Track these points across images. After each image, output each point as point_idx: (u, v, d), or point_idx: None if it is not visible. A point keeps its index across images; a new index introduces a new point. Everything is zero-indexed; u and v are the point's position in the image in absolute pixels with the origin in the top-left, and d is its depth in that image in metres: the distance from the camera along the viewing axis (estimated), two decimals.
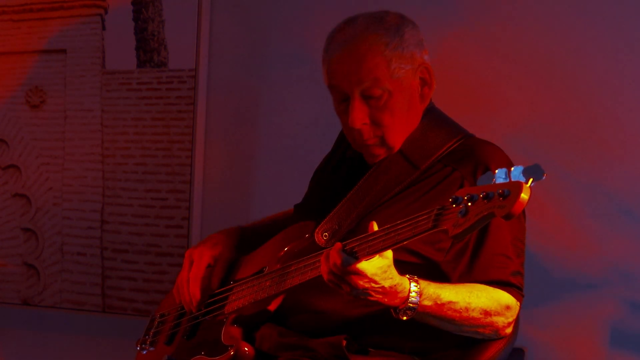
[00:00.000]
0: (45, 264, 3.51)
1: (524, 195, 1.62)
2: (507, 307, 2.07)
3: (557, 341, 2.82)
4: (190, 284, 2.34)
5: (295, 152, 3.18)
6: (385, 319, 2.05)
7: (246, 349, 2.17)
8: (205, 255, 2.37)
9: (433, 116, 2.26)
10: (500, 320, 2.06)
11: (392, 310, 1.98)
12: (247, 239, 2.46)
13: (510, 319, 2.09)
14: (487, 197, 1.66)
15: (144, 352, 2.44)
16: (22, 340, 3.60)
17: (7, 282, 3.57)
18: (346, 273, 1.89)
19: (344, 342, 2.06)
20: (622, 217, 2.76)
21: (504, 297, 2.07)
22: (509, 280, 2.09)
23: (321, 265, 1.95)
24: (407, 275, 1.97)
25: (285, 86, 3.22)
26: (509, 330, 2.11)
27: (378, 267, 1.89)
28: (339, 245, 1.91)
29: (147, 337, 2.46)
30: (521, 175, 1.64)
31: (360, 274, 1.89)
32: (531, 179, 1.63)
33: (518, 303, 2.10)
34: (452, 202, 1.73)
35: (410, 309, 1.96)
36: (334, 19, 2.25)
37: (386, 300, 1.95)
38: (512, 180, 1.65)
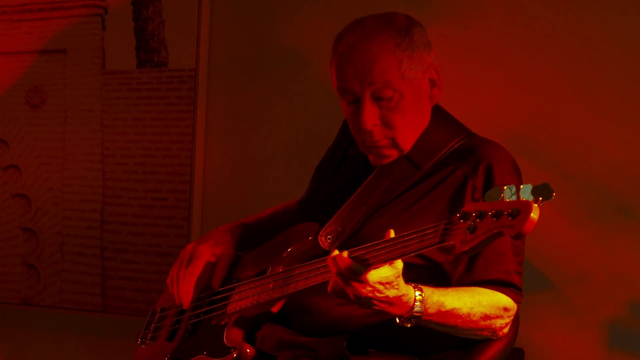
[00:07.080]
0: (45, 264, 3.51)
1: (534, 215, 1.60)
2: (505, 309, 2.07)
3: (557, 341, 2.82)
4: (185, 281, 2.33)
5: (295, 152, 3.18)
6: (385, 320, 2.05)
7: (248, 350, 2.18)
8: (205, 253, 2.35)
9: (436, 115, 2.25)
10: (497, 322, 2.06)
11: (396, 318, 1.97)
12: (247, 237, 2.45)
13: (508, 320, 2.08)
14: (495, 215, 1.65)
15: (144, 346, 2.44)
16: (22, 340, 3.61)
17: (7, 282, 3.57)
18: (352, 280, 1.88)
19: (345, 342, 2.05)
20: (622, 217, 2.76)
21: (502, 300, 2.06)
22: (509, 279, 2.08)
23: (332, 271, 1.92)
24: (412, 284, 1.95)
25: (285, 86, 3.22)
26: (506, 330, 2.10)
27: (383, 277, 1.87)
28: (346, 253, 1.88)
29: (147, 331, 2.45)
30: (530, 194, 1.63)
31: (364, 282, 1.87)
32: (540, 199, 1.62)
33: (516, 304, 2.10)
34: (460, 218, 1.72)
35: (414, 317, 1.95)
36: (334, 19, 2.25)
37: (391, 309, 1.93)
38: (521, 198, 1.64)
